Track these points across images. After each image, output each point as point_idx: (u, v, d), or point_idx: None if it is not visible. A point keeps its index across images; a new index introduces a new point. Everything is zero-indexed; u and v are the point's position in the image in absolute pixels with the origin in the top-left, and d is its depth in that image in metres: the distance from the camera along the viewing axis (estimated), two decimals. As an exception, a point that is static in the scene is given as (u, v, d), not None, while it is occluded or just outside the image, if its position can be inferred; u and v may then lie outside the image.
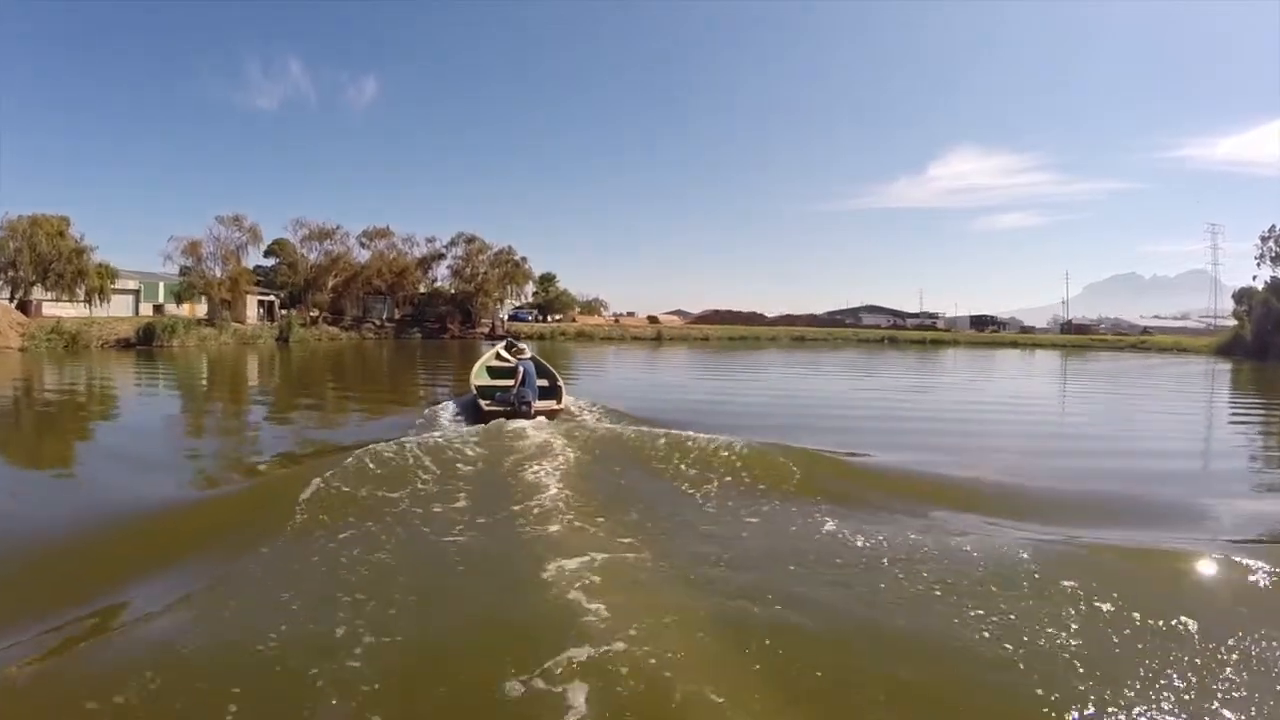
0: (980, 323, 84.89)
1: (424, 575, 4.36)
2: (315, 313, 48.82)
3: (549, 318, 63.03)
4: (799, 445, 8.04)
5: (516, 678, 3.07)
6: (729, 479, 6.50)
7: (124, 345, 33.92)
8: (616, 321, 65.26)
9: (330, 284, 49.07)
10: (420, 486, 6.02)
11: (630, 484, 6.40)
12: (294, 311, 48.44)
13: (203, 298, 43.99)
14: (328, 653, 3.30)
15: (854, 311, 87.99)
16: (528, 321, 59.18)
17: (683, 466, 6.80)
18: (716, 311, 76.09)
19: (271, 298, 49.24)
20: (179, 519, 6.01)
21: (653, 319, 68.52)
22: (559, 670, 3.10)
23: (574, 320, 61.61)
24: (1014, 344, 64.28)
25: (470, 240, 55.05)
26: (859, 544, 4.82)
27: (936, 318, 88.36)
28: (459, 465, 6.62)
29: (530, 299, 62.67)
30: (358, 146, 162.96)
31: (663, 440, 7.37)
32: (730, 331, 63.57)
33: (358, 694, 3.02)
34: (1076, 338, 71.71)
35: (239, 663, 3.27)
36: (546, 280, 65.58)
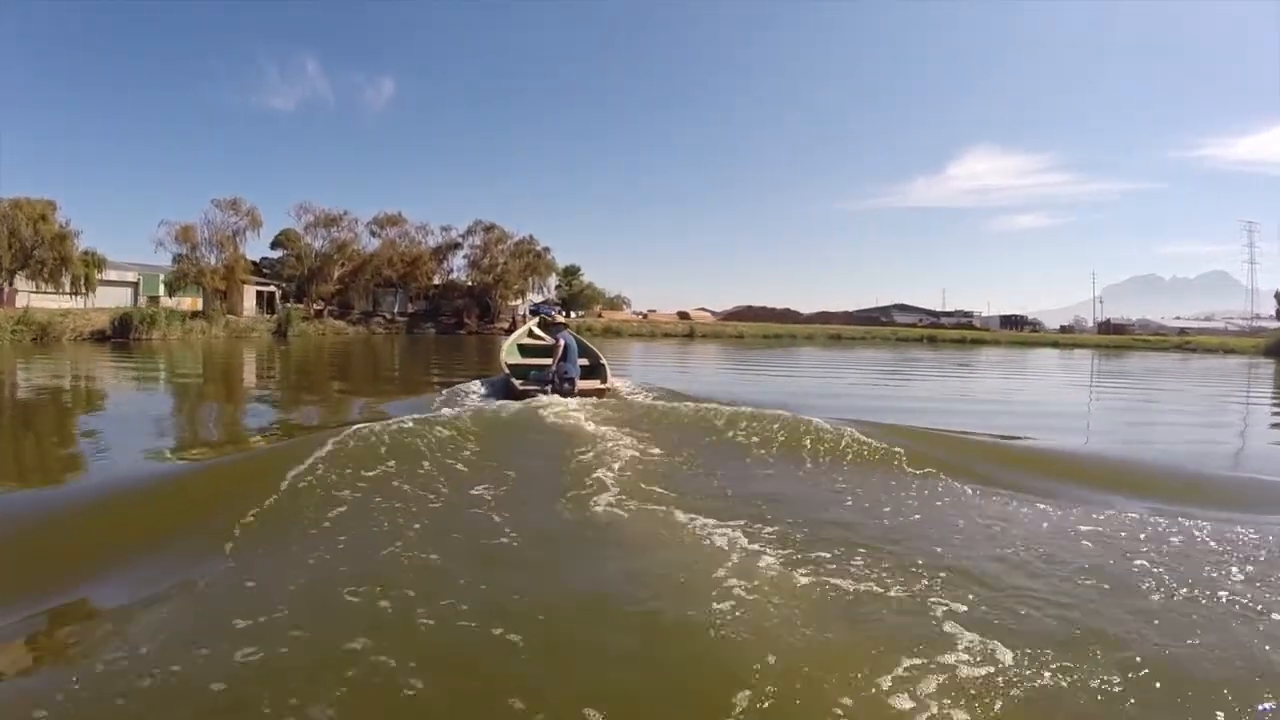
0: (1010, 322, 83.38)
1: (460, 572, 3.21)
2: (320, 305, 44.66)
3: (571, 314, 58.65)
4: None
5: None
6: (844, 461, 5.38)
7: (99, 338, 30.02)
8: (645, 317, 60.71)
9: (336, 274, 44.78)
10: (445, 464, 4.84)
11: (718, 464, 5.18)
12: (298, 304, 44.44)
13: (199, 289, 40.12)
14: (327, 664, 2.44)
15: (885, 310, 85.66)
16: (552, 315, 54.75)
17: (780, 448, 5.65)
18: (749, 308, 71.64)
19: (272, 288, 45.11)
20: (153, 496, 4.72)
21: (683, 315, 63.90)
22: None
23: (600, 316, 57.10)
24: (1054, 344, 60.19)
25: (489, 229, 50.58)
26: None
27: (971, 316, 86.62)
28: (494, 441, 5.53)
29: (553, 293, 58.25)
30: (375, 147, 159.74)
31: (751, 420, 6.15)
32: (764, 329, 59.53)
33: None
34: (1116, 338, 68.03)
35: (220, 671, 2.38)
36: (570, 273, 61.06)
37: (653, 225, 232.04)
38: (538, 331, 12.11)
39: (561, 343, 8.63)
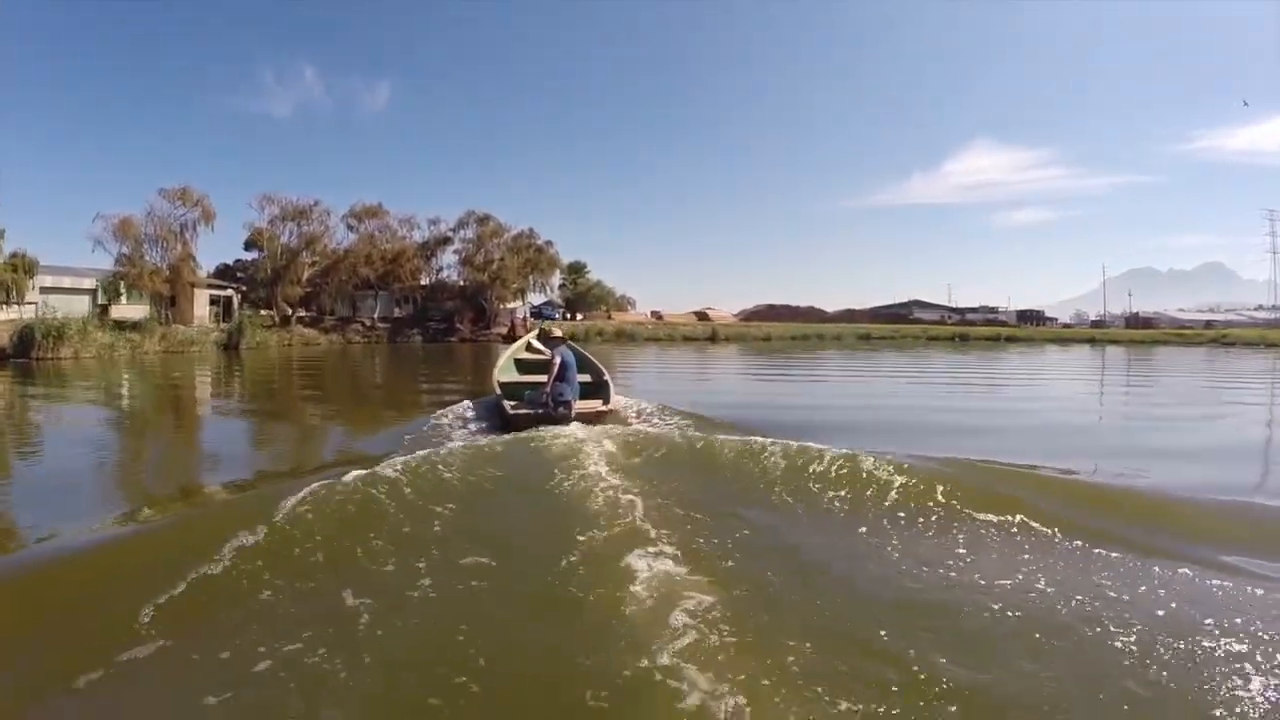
0: (1027, 318, 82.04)
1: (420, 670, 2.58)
2: (288, 311, 38.40)
3: (578, 315, 52.29)
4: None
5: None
6: (888, 506, 4.36)
7: (-1, 357, 23.90)
8: (660, 319, 54.39)
9: (305, 274, 38.44)
10: (413, 525, 3.90)
11: (732, 511, 4.29)
12: (264, 310, 38.32)
13: (142, 295, 33.96)
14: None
15: (905, 306, 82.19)
16: (555, 320, 48.38)
17: (803, 486, 4.67)
18: (771, 307, 65.68)
19: (229, 293, 38.86)
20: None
21: (702, 315, 57.65)
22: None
23: (609, 318, 50.76)
24: (1091, 340, 56.18)
25: (483, 220, 44.05)
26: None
27: (997, 311, 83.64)
28: (472, 492, 4.48)
29: (556, 293, 51.98)
30: (375, 150, 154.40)
31: (776, 451, 5.11)
32: (790, 329, 53.87)
33: None
34: (1148, 333, 63.46)
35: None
36: (576, 270, 54.76)
37: (656, 225, 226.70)
38: (536, 344, 11.04)
39: (557, 359, 7.59)
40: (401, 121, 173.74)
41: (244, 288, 40.10)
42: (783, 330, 52.62)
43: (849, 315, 68.38)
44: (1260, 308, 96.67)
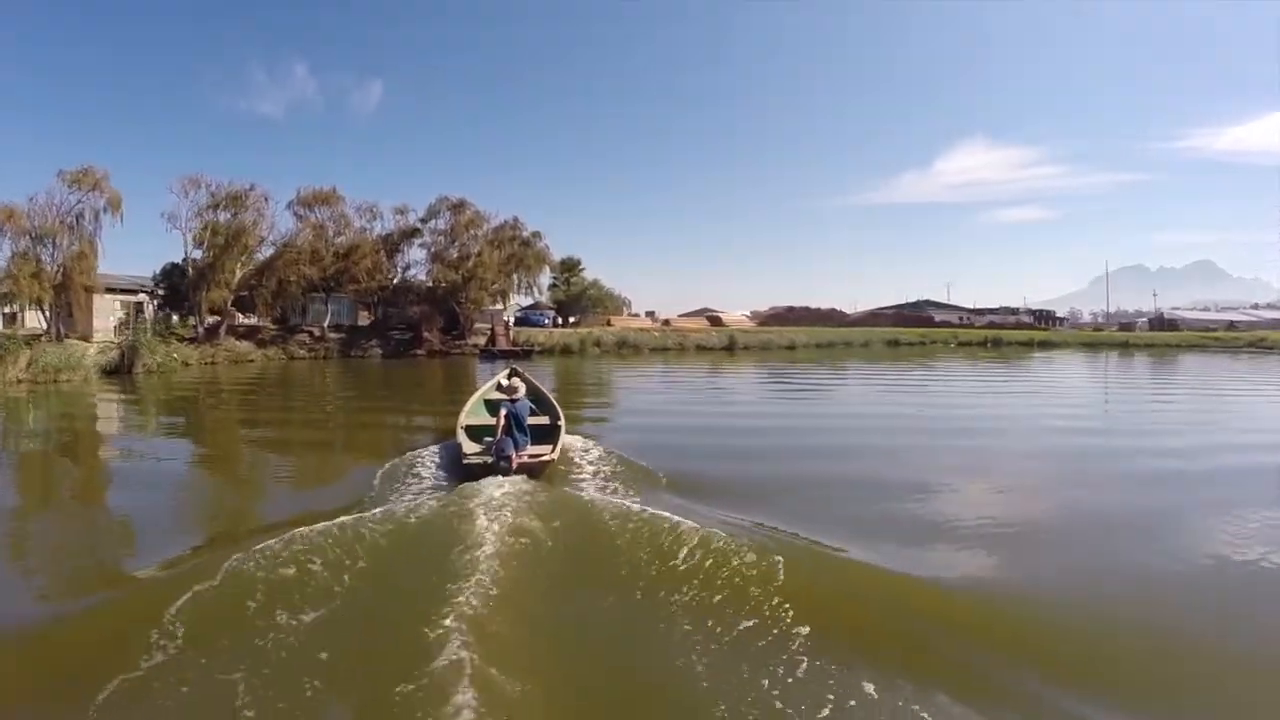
0: (1040, 318, 79.64)
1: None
2: (211, 319, 31.50)
3: (569, 320, 45.41)
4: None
5: None
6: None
7: None
8: (667, 324, 47.36)
9: (236, 274, 31.46)
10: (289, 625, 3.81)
11: (600, 608, 4.27)
12: (185, 318, 31.52)
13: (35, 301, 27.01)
14: None
15: (917, 306, 77.62)
16: (543, 326, 41.34)
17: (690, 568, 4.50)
18: (790, 309, 59.05)
19: (141, 298, 31.97)
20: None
21: (714, 320, 50.74)
22: None
23: (608, 323, 43.69)
24: (1125, 344, 52.68)
25: (457, 208, 37.12)
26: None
27: (1018, 313, 79.53)
28: (378, 566, 4.57)
29: (545, 294, 44.88)
30: (365, 149, 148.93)
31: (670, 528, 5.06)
32: (814, 335, 47.63)
33: None
34: (1181, 335, 59.65)
35: None
36: (569, 268, 47.62)
37: (650, 222, 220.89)
38: (505, 383, 10.43)
39: (503, 412, 7.70)
40: (394, 120, 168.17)
41: (162, 292, 33.23)
42: (806, 337, 46.32)
43: (872, 317, 62.04)
44: (1256, 306, 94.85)
